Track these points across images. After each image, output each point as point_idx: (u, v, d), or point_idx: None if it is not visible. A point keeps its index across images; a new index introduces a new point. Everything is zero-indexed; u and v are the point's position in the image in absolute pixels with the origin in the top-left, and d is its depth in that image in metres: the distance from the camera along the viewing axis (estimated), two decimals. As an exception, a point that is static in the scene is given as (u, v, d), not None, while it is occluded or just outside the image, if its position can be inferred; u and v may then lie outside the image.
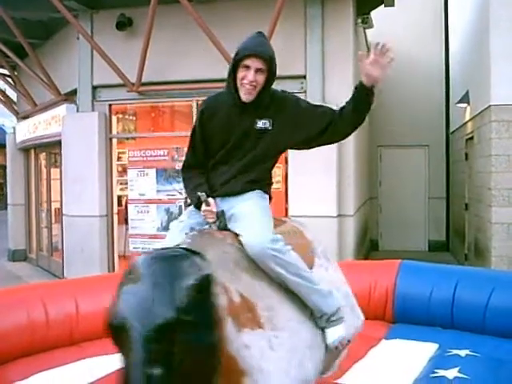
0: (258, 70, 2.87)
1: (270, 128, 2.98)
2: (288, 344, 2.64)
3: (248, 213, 2.88)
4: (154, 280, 2.12)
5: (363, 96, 2.84)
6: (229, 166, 3.03)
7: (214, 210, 2.91)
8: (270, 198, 3.13)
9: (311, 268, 3.00)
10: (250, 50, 2.86)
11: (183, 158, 3.23)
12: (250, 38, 2.93)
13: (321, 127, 2.97)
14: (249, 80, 2.87)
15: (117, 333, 2.08)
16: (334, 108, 3.02)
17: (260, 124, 2.98)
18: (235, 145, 3.02)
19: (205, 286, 2.19)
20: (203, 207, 2.92)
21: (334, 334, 2.86)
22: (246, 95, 2.91)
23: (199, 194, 2.89)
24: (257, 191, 3.01)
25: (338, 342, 2.86)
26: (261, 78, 2.89)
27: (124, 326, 2.04)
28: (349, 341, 3.05)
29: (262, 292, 2.68)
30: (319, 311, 2.84)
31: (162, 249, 2.43)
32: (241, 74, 2.89)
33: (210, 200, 2.92)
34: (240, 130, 3.00)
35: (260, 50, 2.88)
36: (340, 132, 3.00)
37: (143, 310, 2.04)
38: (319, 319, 2.86)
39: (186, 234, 2.79)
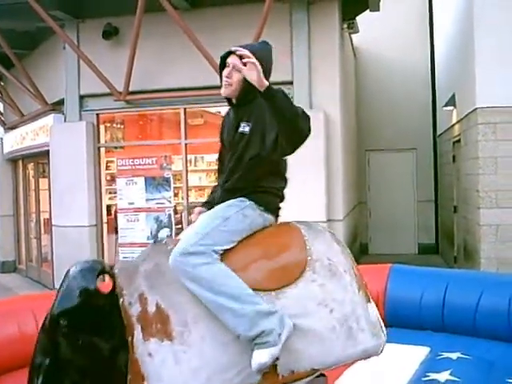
0: (234, 67, 2.86)
1: (247, 132, 2.90)
2: (195, 362, 2.57)
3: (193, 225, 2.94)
4: (61, 285, 2.67)
5: (268, 102, 2.65)
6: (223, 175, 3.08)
7: (194, 219, 3.03)
8: (265, 206, 2.93)
9: (294, 281, 2.76)
10: (229, 49, 2.91)
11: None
12: None
13: (274, 137, 2.78)
14: (224, 75, 2.91)
15: None
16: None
17: (241, 128, 2.92)
18: (227, 151, 3.05)
19: (83, 296, 2.59)
20: (191, 216, 3.13)
21: (256, 358, 2.58)
22: (223, 89, 2.94)
23: (191, 205, 2.95)
24: (232, 200, 2.89)
25: (257, 367, 2.57)
26: (236, 76, 2.88)
27: None
28: (313, 369, 2.75)
29: (180, 306, 2.65)
30: (234, 331, 2.62)
31: (89, 260, 2.84)
32: (223, 73, 2.94)
33: (195, 209, 3.09)
34: (230, 136, 3.00)
35: (237, 48, 2.85)
36: (285, 144, 2.71)
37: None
38: (243, 340, 2.63)
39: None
